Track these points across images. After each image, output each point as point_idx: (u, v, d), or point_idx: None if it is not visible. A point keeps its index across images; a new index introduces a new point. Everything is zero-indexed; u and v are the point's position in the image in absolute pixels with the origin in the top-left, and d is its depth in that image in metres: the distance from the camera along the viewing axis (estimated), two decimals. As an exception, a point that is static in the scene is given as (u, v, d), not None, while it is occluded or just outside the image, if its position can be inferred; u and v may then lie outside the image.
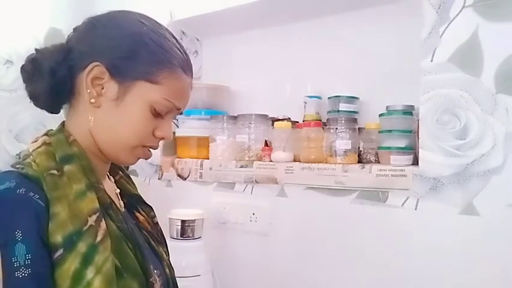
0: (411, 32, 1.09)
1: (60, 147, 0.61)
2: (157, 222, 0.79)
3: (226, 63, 1.57)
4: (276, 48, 1.45)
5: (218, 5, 1.34)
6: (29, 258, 0.50)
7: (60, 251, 0.52)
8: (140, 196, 0.79)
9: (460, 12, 0.95)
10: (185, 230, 1.18)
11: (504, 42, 0.90)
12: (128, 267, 0.59)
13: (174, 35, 0.69)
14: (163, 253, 0.75)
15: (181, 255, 1.10)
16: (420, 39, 1.00)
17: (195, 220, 1.19)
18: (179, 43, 0.68)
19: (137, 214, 0.76)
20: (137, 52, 0.62)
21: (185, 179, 1.40)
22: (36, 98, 0.65)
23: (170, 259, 0.78)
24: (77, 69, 0.63)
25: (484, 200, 0.92)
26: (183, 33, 1.55)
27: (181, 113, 0.71)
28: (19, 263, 0.49)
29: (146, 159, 0.69)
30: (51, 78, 0.62)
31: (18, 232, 0.50)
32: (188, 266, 1.12)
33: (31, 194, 0.54)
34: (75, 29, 0.68)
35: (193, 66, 0.70)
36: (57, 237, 0.52)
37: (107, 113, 0.64)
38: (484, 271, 0.91)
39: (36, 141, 0.63)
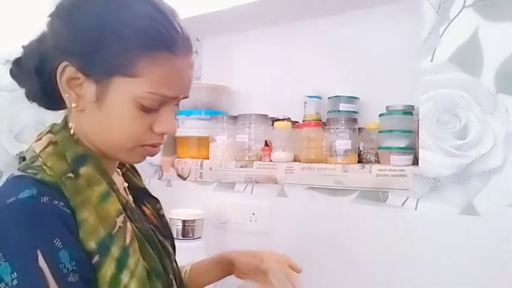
0: (411, 32, 1.09)
1: (69, 147, 0.56)
2: (163, 215, 0.75)
3: (226, 63, 1.57)
4: (276, 48, 1.45)
5: (218, 5, 1.34)
6: (74, 265, 0.48)
7: (97, 257, 0.50)
8: (146, 189, 0.75)
9: (460, 12, 0.95)
10: (186, 230, 1.18)
11: (504, 42, 0.90)
12: (152, 267, 0.57)
13: (160, 4, 0.55)
14: (169, 247, 0.72)
15: (181, 255, 1.09)
16: (420, 39, 1.00)
17: (195, 220, 1.19)
18: (165, 15, 0.54)
19: (144, 208, 0.72)
20: (104, 41, 0.52)
21: (185, 179, 1.40)
22: (34, 99, 0.61)
23: (176, 252, 0.75)
24: (54, 67, 0.55)
25: (484, 200, 0.92)
26: (183, 33, 1.54)
27: (186, 97, 0.60)
28: (68, 269, 0.47)
29: (152, 156, 0.62)
30: (39, 78, 0.57)
31: (57, 240, 0.48)
32: (189, 266, 1.12)
33: (56, 202, 0.50)
34: (49, 15, 0.58)
35: (191, 43, 0.58)
36: (91, 244, 0.50)
37: (91, 117, 0.57)
38: (484, 271, 0.91)
39: (40, 139, 0.58)
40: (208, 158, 1.37)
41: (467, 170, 0.93)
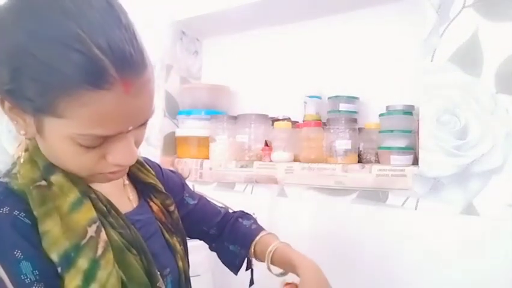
0: (411, 32, 1.09)
1: (39, 156, 0.54)
2: (173, 211, 0.72)
3: (226, 63, 1.57)
4: (276, 48, 1.45)
5: (218, 5, 1.34)
6: (37, 274, 0.47)
7: (59, 269, 0.48)
8: (154, 184, 0.71)
9: (460, 12, 0.95)
10: (185, 230, 1.18)
11: (504, 42, 0.90)
12: (133, 278, 0.55)
13: (89, 18, 0.43)
14: (176, 244, 0.69)
15: (181, 255, 1.10)
16: (420, 39, 1.00)
17: (194, 220, 1.19)
18: (91, 35, 0.42)
19: (151, 203, 0.69)
20: (20, 80, 0.44)
21: (185, 179, 1.40)
22: None
23: (187, 247, 0.72)
24: None
25: (484, 200, 0.92)
26: (183, 33, 1.55)
27: (143, 124, 0.52)
28: (30, 279, 0.46)
29: (116, 179, 0.58)
30: None
31: (17, 252, 0.47)
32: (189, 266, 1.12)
33: (16, 212, 0.49)
34: None
35: (139, 58, 0.46)
36: (53, 256, 0.48)
37: (41, 145, 0.53)
38: (483, 271, 0.91)
39: (20, 143, 0.57)
40: (208, 158, 1.37)
41: (467, 170, 0.93)
